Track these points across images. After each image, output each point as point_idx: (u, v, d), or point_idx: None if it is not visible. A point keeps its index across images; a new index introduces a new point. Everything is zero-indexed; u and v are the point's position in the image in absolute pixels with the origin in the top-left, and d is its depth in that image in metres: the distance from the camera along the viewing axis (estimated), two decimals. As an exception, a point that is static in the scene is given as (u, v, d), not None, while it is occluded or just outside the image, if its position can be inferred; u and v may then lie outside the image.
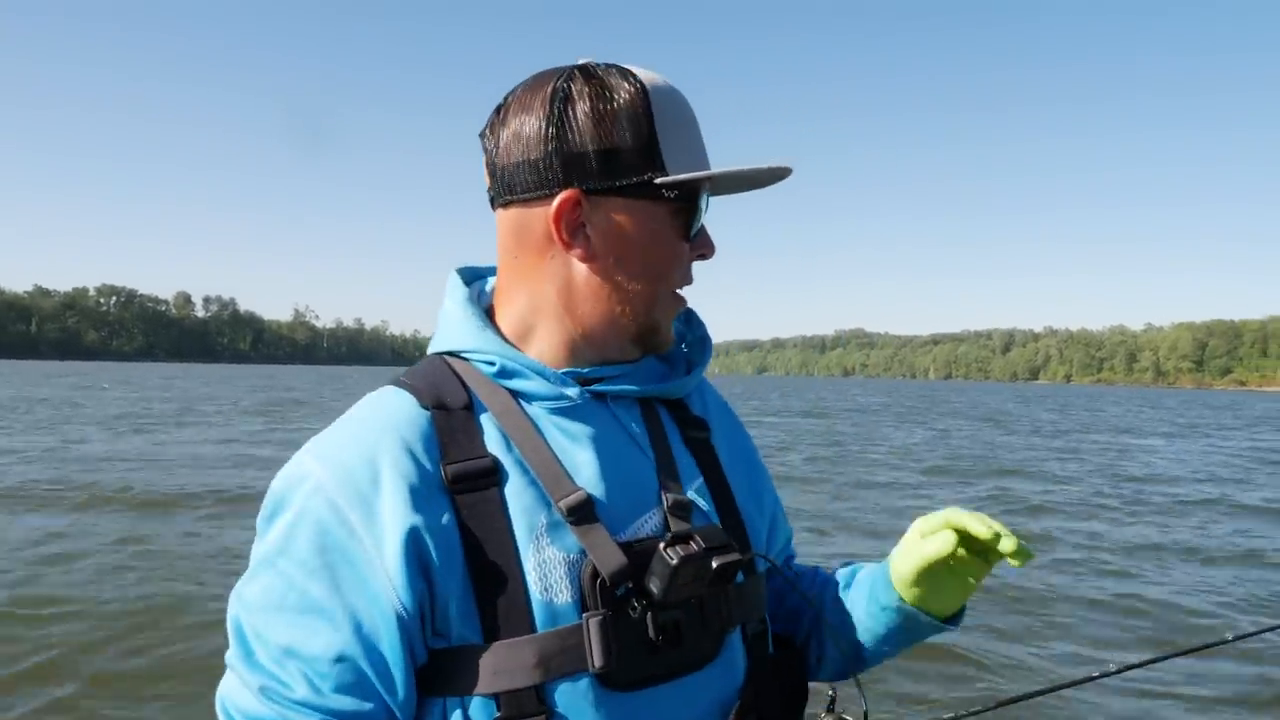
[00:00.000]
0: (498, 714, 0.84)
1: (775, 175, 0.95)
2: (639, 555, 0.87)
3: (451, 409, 0.91)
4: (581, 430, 0.93)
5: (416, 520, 0.83)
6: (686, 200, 0.93)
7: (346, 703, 0.83)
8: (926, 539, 0.96)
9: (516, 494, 0.88)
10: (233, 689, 0.86)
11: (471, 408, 0.92)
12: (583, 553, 0.87)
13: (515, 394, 0.94)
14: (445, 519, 0.85)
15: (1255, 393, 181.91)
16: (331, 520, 0.84)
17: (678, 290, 0.97)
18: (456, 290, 1.02)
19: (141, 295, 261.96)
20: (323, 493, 0.84)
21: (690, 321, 1.10)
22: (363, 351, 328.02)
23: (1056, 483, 15.17)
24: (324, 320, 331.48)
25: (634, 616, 0.87)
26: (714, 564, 0.87)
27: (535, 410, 0.93)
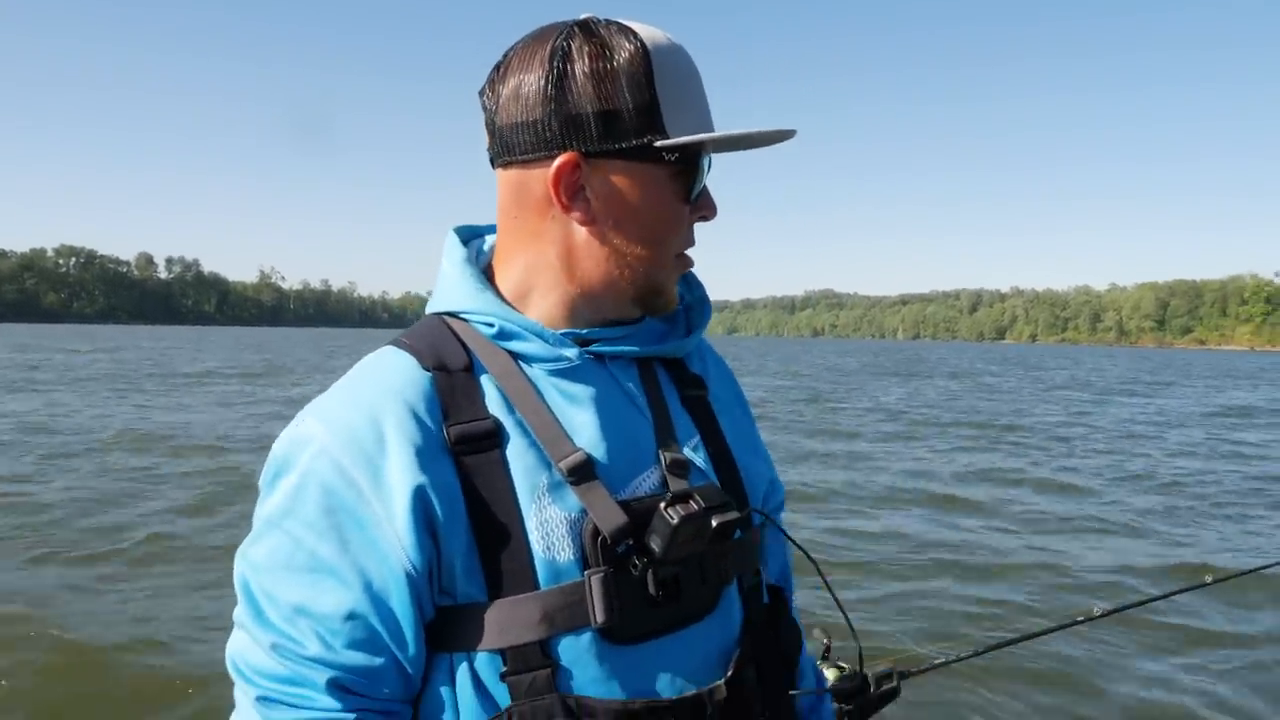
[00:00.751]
0: (504, 668, 0.86)
1: (778, 137, 0.94)
2: (639, 514, 0.89)
3: (452, 371, 0.91)
4: (580, 391, 0.94)
5: (422, 481, 0.85)
6: (687, 163, 0.92)
7: (358, 658, 0.85)
8: None
9: (518, 455, 0.89)
10: (244, 646, 0.88)
11: (472, 369, 0.93)
12: (584, 512, 0.88)
13: (515, 355, 0.94)
14: (449, 480, 0.86)
15: (1214, 350, 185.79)
16: (338, 482, 0.85)
17: (681, 253, 0.97)
18: (454, 250, 1.01)
19: (102, 256, 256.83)
20: (327, 454, 0.86)
21: (689, 282, 1.10)
22: (330, 313, 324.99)
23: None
24: (290, 282, 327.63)
25: (635, 574, 0.88)
26: (714, 522, 0.88)
27: (534, 371, 0.94)
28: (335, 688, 0.85)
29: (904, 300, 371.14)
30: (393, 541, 0.85)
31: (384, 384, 0.90)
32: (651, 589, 0.89)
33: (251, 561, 0.88)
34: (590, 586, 0.87)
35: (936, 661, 1.63)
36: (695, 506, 0.88)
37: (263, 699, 0.86)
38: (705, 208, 0.96)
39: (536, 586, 0.87)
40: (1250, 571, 2.50)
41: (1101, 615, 2.08)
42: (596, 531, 0.88)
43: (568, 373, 0.95)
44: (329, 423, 0.88)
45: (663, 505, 0.88)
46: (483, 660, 0.88)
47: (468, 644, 0.88)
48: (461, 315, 0.97)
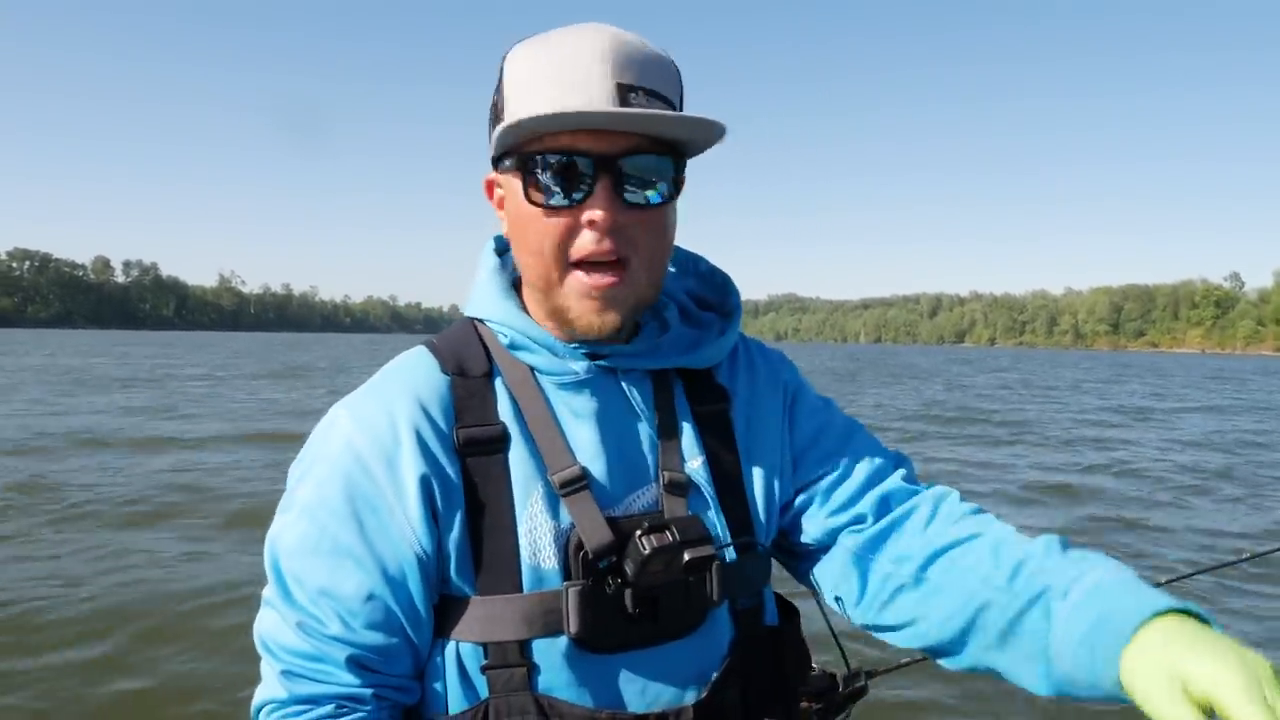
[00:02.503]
0: (485, 660, 0.92)
1: (620, 121, 0.85)
2: (623, 533, 0.91)
3: (470, 376, 0.96)
4: (586, 405, 0.96)
5: (429, 474, 0.91)
6: (522, 167, 0.89)
7: (375, 638, 0.91)
8: (1177, 706, 0.70)
9: (519, 463, 0.93)
10: (272, 625, 0.93)
11: (490, 375, 0.97)
12: (571, 525, 0.92)
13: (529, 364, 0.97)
14: (454, 478, 0.92)
15: (1166, 354, 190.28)
16: (358, 472, 0.91)
17: (580, 261, 0.90)
18: (487, 258, 1.04)
19: (57, 260, 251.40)
20: (351, 448, 0.92)
21: (725, 289, 1.09)
22: (291, 318, 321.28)
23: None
24: (251, 286, 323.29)
25: (610, 591, 0.91)
26: (685, 557, 0.90)
27: (546, 381, 0.97)
28: (354, 665, 0.91)
29: (866, 305, 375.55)
30: (405, 529, 0.90)
31: (405, 384, 0.95)
32: (629, 606, 0.91)
33: (283, 546, 0.93)
34: (567, 597, 0.90)
35: (903, 661, 1.65)
36: (669, 539, 0.89)
37: (287, 673, 0.92)
38: (585, 209, 0.88)
39: (519, 590, 0.91)
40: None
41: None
42: (580, 545, 0.91)
43: (576, 385, 0.96)
44: (355, 418, 0.94)
45: (638, 534, 0.90)
46: (467, 650, 0.93)
47: (457, 633, 0.93)
48: (488, 322, 1.00)
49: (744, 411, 1.07)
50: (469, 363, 0.97)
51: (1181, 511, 9.00)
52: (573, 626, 0.90)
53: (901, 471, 1.09)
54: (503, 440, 0.93)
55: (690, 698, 0.96)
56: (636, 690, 0.94)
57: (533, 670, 0.91)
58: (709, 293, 1.10)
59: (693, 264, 1.12)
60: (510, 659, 0.91)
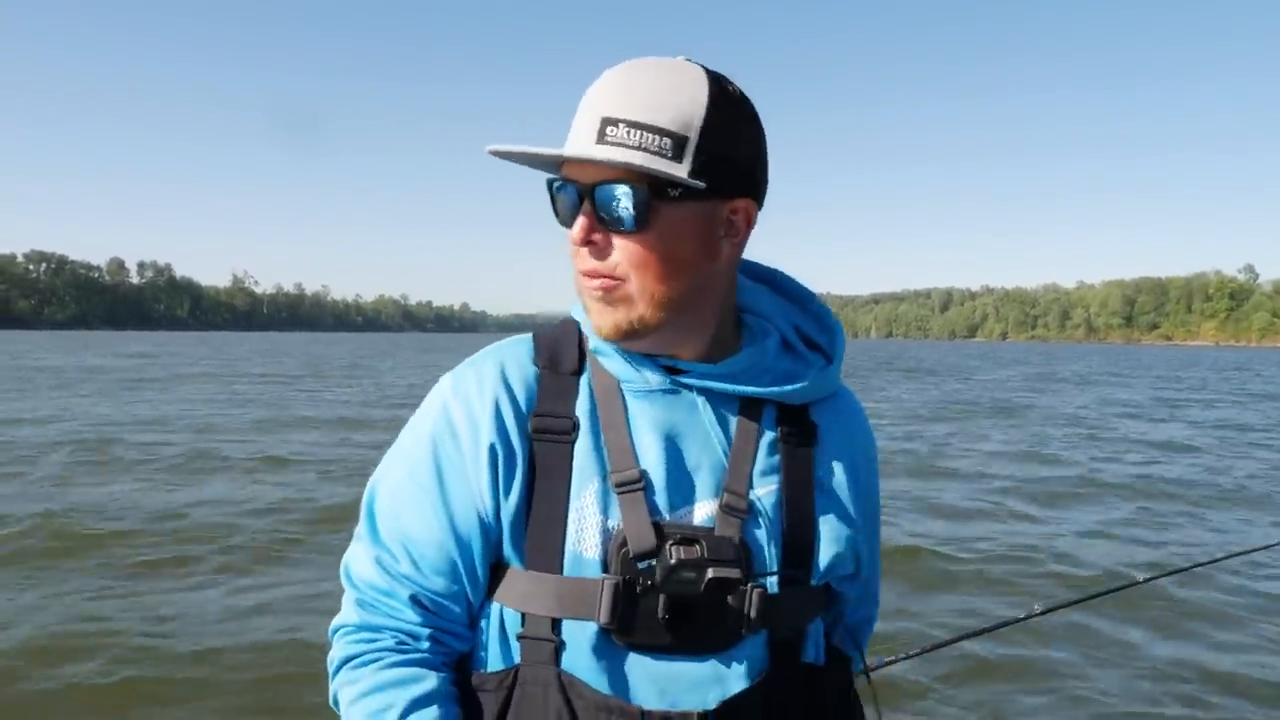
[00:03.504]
0: (521, 629, 1.00)
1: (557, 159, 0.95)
2: (663, 540, 0.96)
3: (560, 372, 1.05)
4: (656, 415, 1.03)
5: (500, 448, 1.01)
6: (549, 190, 1.00)
7: (438, 583, 1.01)
8: None
9: (582, 456, 1.01)
10: (355, 558, 1.05)
11: (579, 373, 1.05)
12: (619, 523, 0.98)
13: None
14: (521, 457, 1.01)
15: (1180, 347, 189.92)
16: (446, 434, 1.03)
17: (580, 272, 1.00)
18: None
19: (73, 261, 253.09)
20: (445, 411, 1.04)
21: (834, 332, 1.13)
22: (303, 318, 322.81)
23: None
24: (264, 285, 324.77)
25: (637, 591, 0.96)
26: (709, 574, 0.93)
27: (625, 388, 1.04)
28: (417, 604, 1.02)
29: (876, 300, 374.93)
30: (474, 490, 1.01)
31: (499, 365, 1.06)
32: (659, 610, 0.96)
33: (379, 488, 1.06)
34: (602, 588, 0.96)
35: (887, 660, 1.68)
36: (698, 553, 0.94)
37: (361, 602, 1.03)
38: (565, 224, 0.99)
39: (560, 572, 0.98)
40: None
41: (1042, 612, 2.29)
42: (623, 544, 0.97)
43: (648, 395, 1.03)
44: (454, 384, 1.06)
45: (670, 543, 0.95)
46: (509, 616, 1.02)
47: (501, 597, 1.02)
48: (584, 326, 1.08)
49: (830, 456, 1.09)
50: (562, 359, 1.06)
51: None
52: (603, 616, 0.95)
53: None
54: (572, 433, 1.01)
55: (707, 709, 0.99)
56: (654, 691, 0.98)
57: (560, 648, 0.98)
58: (816, 332, 1.13)
59: (804, 301, 1.15)
60: (542, 633, 0.99)
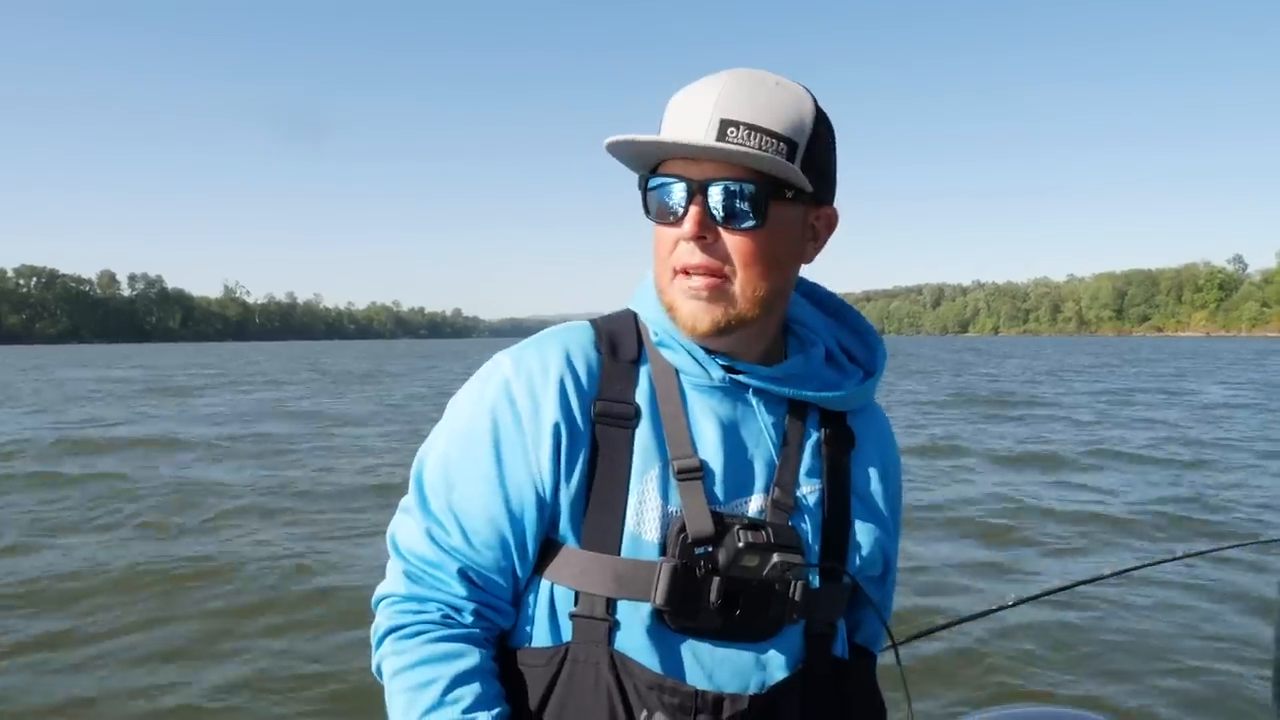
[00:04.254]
0: (574, 607, 1.02)
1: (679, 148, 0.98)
2: (725, 527, 1.00)
3: (620, 360, 1.08)
4: (716, 408, 1.06)
5: (564, 428, 1.02)
6: (643, 187, 1.04)
7: (488, 557, 1.03)
8: None
9: (643, 442, 1.04)
10: (404, 529, 1.06)
11: (638, 362, 1.08)
12: (679, 509, 1.01)
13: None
14: (584, 438, 1.03)
15: (1171, 338, 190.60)
16: (506, 409, 1.04)
17: (678, 269, 1.02)
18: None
19: (64, 275, 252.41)
20: (506, 387, 1.05)
21: (870, 346, 1.19)
22: (295, 326, 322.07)
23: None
24: (255, 295, 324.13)
25: (699, 575, 0.99)
26: (775, 558, 0.97)
27: (685, 380, 1.07)
28: (464, 577, 1.03)
29: (868, 296, 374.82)
30: (533, 467, 1.02)
31: (564, 347, 1.07)
32: (712, 595, 0.99)
33: (428, 461, 1.08)
34: (660, 570, 0.98)
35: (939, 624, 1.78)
36: (765, 538, 0.97)
37: (408, 573, 1.04)
38: (666, 220, 1.02)
39: (617, 553, 1.01)
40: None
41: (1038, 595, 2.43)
42: (682, 528, 0.99)
43: (709, 389, 1.07)
44: (515, 363, 1.07)
45: (737, 527, 0.98)
46: (560, 594, 1.03)
47: (553, 575, 1.03)
48: (644, 318, 1.12)
49: (865, 463, 1.15)
50: (622, 347, 1.09)
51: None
52: (659, 598, 0.98)
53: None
54: (633, 419, 1.04)
55: (750, 693, 1.02)
56: (702, 674, 1.01)
57: (614, 627, 1.00)
58: (857, 347, 1.18)
59: (850, 318, 1.20)
60: (596, 612, 1.00)
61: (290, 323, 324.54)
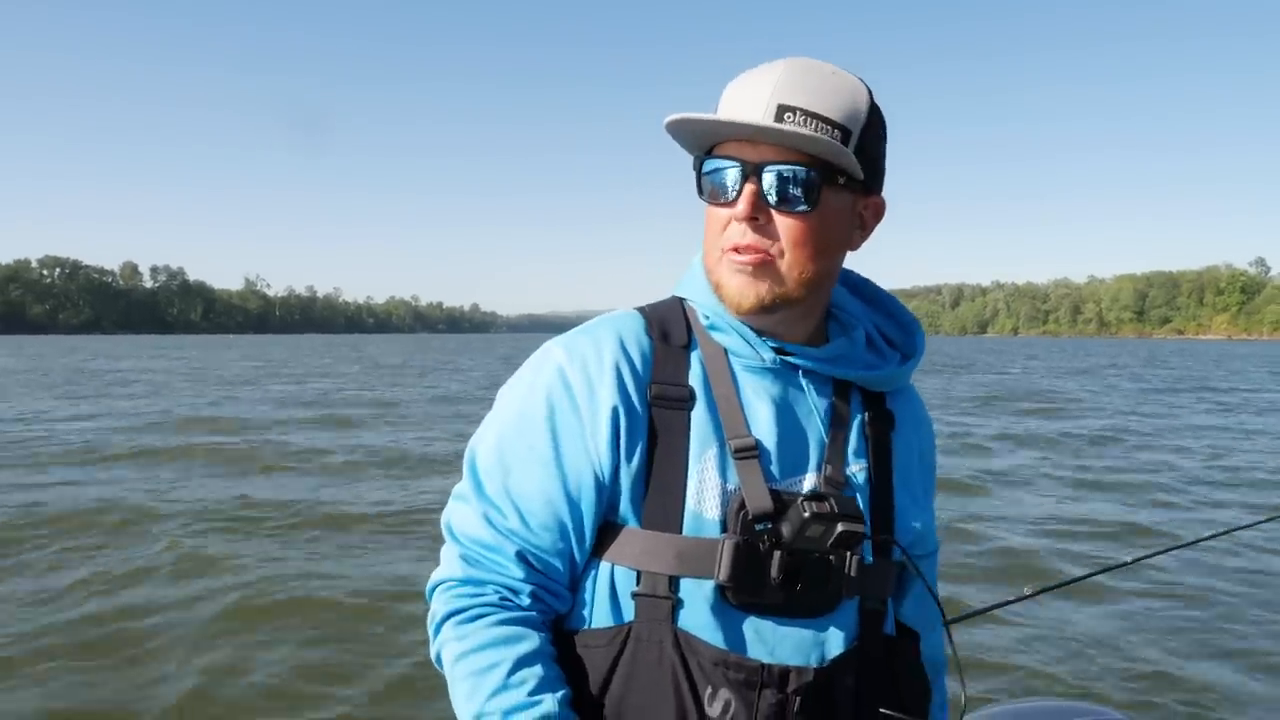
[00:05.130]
0: (636, 587, 1.03)
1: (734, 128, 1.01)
2: (782, 503, 1.02)
3: (671, 345, 1.10)
4: (767, 389, 1.08)
5: (622, 411, 1.04)
6: (698, 169, 1.07)
7: (545, 539, 1.04)
8: None
9: (699, 423, 1.06)
10: (460, 515, 1.08)
11: (688, 346, 1.10)
12: (738, 486, 1.03)
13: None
14: (642, 421, 1.05)
15: (1194, 340, 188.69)
16: (562, 393, 1.06)
17: (728, 248, 1.05)
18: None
19: (87, 266, 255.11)
20: (561, 372, 1.07)
21: (906, 328, 1.20)
22: (316, 320, 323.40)
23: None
24: (275, 289, 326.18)
25: (761, 550, 1.00)
26: (839, 527, 0.98)
27: (736, 362, 1.09)
28: (522, 560, 1.04)
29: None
30: (591, 450, 1.04)
31: (617, 334, 1.09)
32: (774, 571, 1.00)
33: (482, 446, 1.09)
34: (723, 547, 1.00)
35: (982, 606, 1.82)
36: (829, 508, 0.98)
37: (465, 557, 1.06)
38: (718, 201, 1.05)
39: (679, 532, 1.02)
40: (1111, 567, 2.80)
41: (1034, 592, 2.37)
42: (743, 505, 1.02)
43: (760, 370, 1.09)
44: (569, 350, 1.08)
45: (801, 499, 1.00)
46: (621, 574, 1.04)
47: (615, 556, 1.05)
48: (692, 302, 1.14)
49: (905, 442, 1.18)
50: (672, 332, 1.10)
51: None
52: (722, 573, 0.99)
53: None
54: (688, 401, 1.06)
55: (812, 667, 1.03)
56: (765, 649, 1.02)
57: (676, 605, 1.01)
58: (894, 332, 1.20)
59: (887, 303, 1.22)
60: (659, 590, 1.01)
61: (310, 316, 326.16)
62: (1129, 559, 2.75)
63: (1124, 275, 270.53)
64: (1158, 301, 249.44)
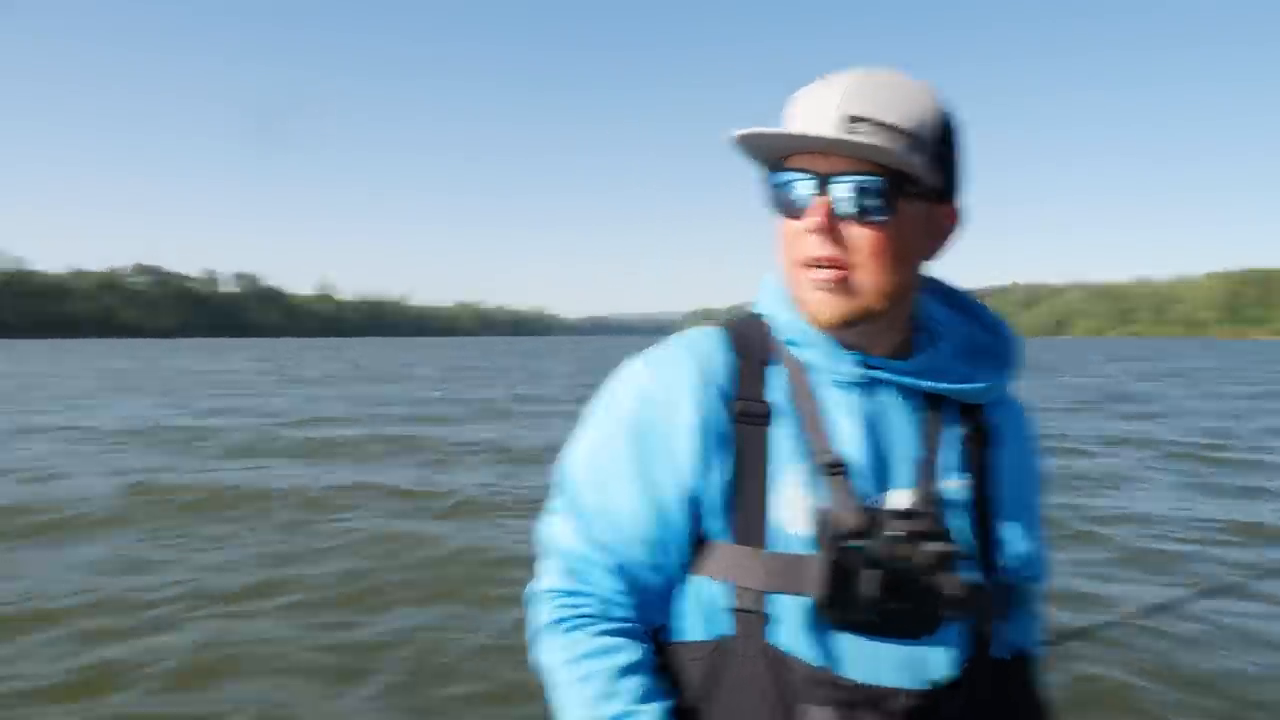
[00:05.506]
0: (729, 602, 1.02)
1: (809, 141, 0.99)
2: (872, 521, 0.99)
3: (752, 360, 1.09)
4: (851, 404, 1.06)
5: (706, 428, 1.04)
6: (769, 180, 1.05)
7: (640, 553, 1.05)
8: None
9: (784, 440, 1.04)
10: (556, 527, 1.10)
11: (769, 362, 1.09)
12: (825, 503, 1.01)
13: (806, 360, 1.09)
14: (726, 439, 1.04)
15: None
16: (648, 411, 1.06)
17: (804, 262, 1.02)
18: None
19: (173, 273, 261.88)
20: (646, 391, 1.08)
21: (1000, 335, 1.17)
22: (384, 324, 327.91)
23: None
24: (346, 293, 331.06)
25: (853, 568, 0.98)
26: (931, 547, 0.97)
27: (819, 377, 1.07)
28: (617, 573, 1.05)
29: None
30: (677, 466, 1.04)
31: (699, 352, 1.09)
32: (866, 589, 0.98)
33: (575, 463, 1.11)
34: (815, 563, 0.98)
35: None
36: (918, 527, 0.98)
37: (563, 570, 1.07)
38: (792, 214, 1.03)
39: (768, 548, 1.01)
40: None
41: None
42: (831, 522, 0.99)
43: (844, 385, 1.06)
44: (653, 368, 1.09)
45: (890, 517, 0.99)
46: (714, 589, 1.03)
47: (707, 570, 1.04)
48: (768, 318, 1.13)
49: (1006, 457, 1.14)
50: (753, 349, 1.10)
51: None
52: (816, 590, 0.97)
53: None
54: (770, 416, 1.05)
55: (911, 689, 1.00)
56: (860, 669, 0.99)
57: (768, 621, 1.00)
58: (988, 340, 1.17)
59: (979, 312, 1.20)
60: (752, 606, 1.01)
61: (379, 320, 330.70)
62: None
63: (1216, 273, 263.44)
64: (1251, 300, 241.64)
